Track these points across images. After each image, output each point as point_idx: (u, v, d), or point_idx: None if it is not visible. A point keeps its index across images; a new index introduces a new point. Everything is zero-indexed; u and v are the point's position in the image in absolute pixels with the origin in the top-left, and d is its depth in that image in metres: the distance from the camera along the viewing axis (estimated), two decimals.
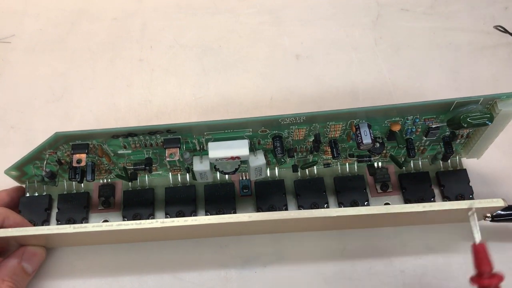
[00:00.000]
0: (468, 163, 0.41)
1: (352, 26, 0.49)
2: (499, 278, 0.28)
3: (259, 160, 0.36)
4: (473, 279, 0.29)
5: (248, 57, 0.48)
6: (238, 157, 0.34)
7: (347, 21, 0.49)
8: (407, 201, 0.40)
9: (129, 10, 0.50)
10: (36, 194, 0.40)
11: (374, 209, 0.33)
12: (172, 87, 0.47)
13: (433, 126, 0.36)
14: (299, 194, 0.40)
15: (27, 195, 0.40)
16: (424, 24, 0.49)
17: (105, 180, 0.41)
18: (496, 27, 0.47)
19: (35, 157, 0.37)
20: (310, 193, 0.40)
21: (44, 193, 0.40)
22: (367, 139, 0.35)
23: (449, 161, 0.40)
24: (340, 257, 0.39)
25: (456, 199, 0.39)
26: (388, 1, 0.50)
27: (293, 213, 0.33)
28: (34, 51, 0.48)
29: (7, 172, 0.38)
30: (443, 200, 0.40)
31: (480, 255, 0.29)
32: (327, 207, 0.39)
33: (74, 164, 0.35)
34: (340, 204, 0.40)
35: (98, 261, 0.39)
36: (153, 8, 0.50)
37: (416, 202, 0.39)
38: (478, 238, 0.29)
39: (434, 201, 0.39)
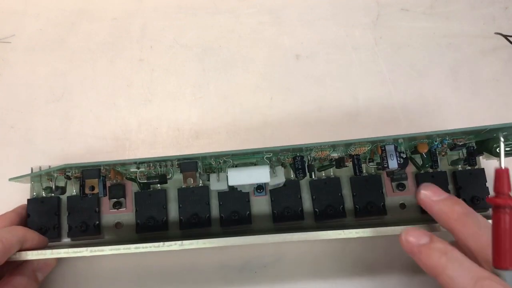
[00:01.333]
0: (486, 161, 0.40)
1: (352, 26, 0.49)
2: None
3: (278, 178, 0.35)
4: (489, 199, 0.29)
5: (248, 57, 0.48)
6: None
7: (347, 21, 0.49)
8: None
9: (129, 10, 0.50)
10: (44, 195, 0.39)
11: (367, 231, 0.33)
12: (172, 87, 0.47)
13: (461, 144, 0.36)
14: (315, 195, 0.39)
15: (34, 196, 0.39)
16: (424, 24, 0.49)
17: (114, 181, 0.39)
18: (497, 33, 0.47)
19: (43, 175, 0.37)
20: (326, 194, 0.39)
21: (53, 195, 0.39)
22: (393, 164, 0.35)
23: None
24: (340, 256, 0.39)
25: (472, 201, 0.39)
26: (388, 1, 0.50)
27: (301, 235, 0.33)
28: (34, 51, 0.48)
29: (12, 179, 0.37)
30: None
31: (501, 178, 0.29)
32: (343, 209, 0.39)
33: (87, 191, 0.34)
34: (356, 206, 0.39)
35: (98, 261, 0.39)
36: (153, 8, 0.50)
37: None
38: (503, 163, 0.30)
39: None
